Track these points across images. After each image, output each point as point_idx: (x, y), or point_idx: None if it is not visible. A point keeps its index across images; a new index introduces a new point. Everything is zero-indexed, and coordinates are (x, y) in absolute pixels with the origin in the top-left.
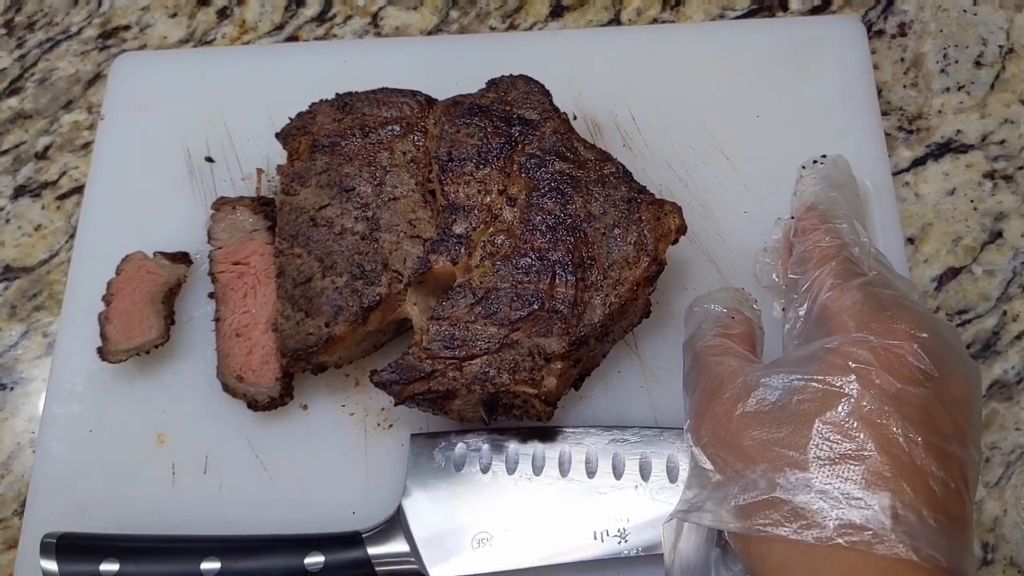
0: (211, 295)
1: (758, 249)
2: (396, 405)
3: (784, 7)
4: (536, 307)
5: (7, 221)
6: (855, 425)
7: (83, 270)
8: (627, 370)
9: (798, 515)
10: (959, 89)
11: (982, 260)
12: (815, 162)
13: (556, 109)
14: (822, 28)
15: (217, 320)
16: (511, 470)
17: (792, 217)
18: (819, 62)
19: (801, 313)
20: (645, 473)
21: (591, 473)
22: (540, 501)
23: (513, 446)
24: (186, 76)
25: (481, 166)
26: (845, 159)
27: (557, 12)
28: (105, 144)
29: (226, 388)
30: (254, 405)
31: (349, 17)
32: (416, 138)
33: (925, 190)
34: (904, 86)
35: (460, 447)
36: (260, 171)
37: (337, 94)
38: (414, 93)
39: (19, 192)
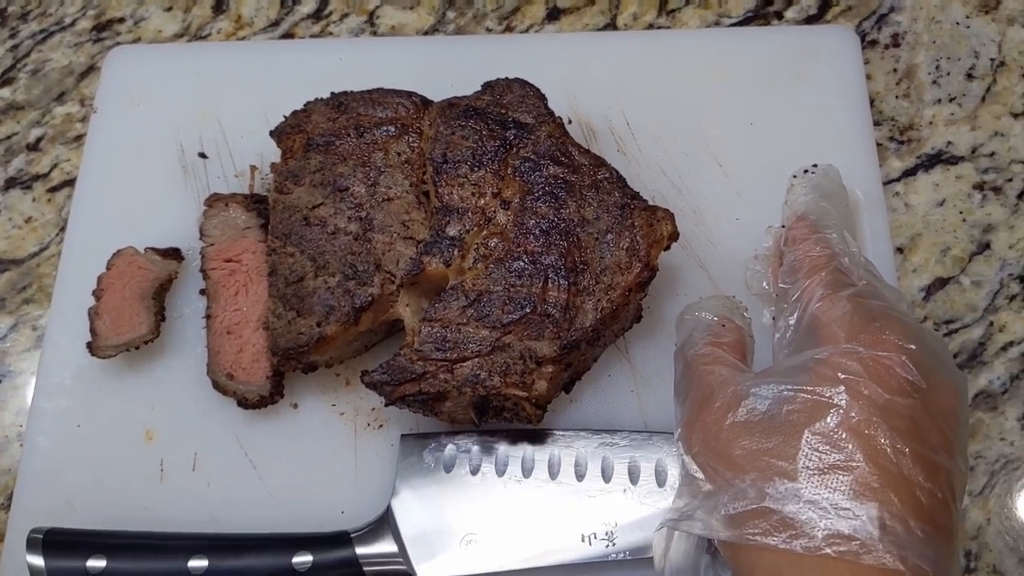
0: (202, 292)
1: (749, 256)
2: (387, 406)
3: (779, 16)
4: (528, 310)
5: None
6: (843, 436)
7: (73, 264)
8: (617, 374)
9: (787, 525)
10: (950, 101)
11: (970, 271)
12: (806, 171)
13: (551, 113)
14: (816, 37)
15: (208, 317)
16: (500, 472)
17: (783, 226)
18: (813, 71)
19: (791, 322)
20: (634, 477)
21: (580, 476)
22: (529, 503)
23: (503, 448)
24: (180, 71)
25: (475, 169)
26: (836, 169)
27: (554, 15)
28: (98, 137)
29: (216, 386)
30: (244, 403)
31: (345, 15)
32: (411, 139)
33: (915, 200)
34: (896, 97)
35: (450, 448)
36: (254, 168)
37: (332, 93)
38: (410, 94)
39: (10, 184)
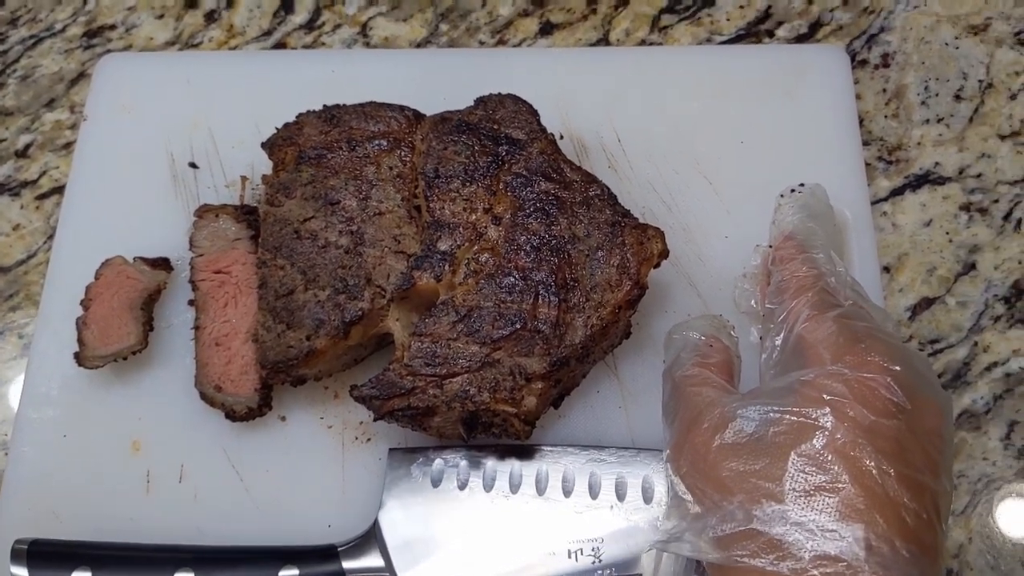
0: (191, 302)
1: (738, 275)
2: (375, 420)
3: (770, 34)
4: (518, 327)
5: None
6: (829, 457)
7: (61, 272)
8: (606, 390)
9: (774, 546)
10: (939, 121)
11: (955, 291)
12: (793, 191)
13: (543, 129)
14: (807, 56)
15: (197, 328)
16: (488, 487)
17: (770, 245)
18: (803, 90)
19: (777, 343)
20: (621, 493)
21: (567, 492)
22: (516, 519)
23: (491, 463)
24: (172, 79)
25: (467, 184)
26: (823, 188)
27: (547, 29)
28: (87, 145)
29: (204, 397)
30: (232, 415)
31: (338, 26)
32: (403, 153)
33: (902, 220)
34: (885, 116)
35: (438, 463)
36: (244, 179)
37: (325, 106)
38: (402, 108)
39: None
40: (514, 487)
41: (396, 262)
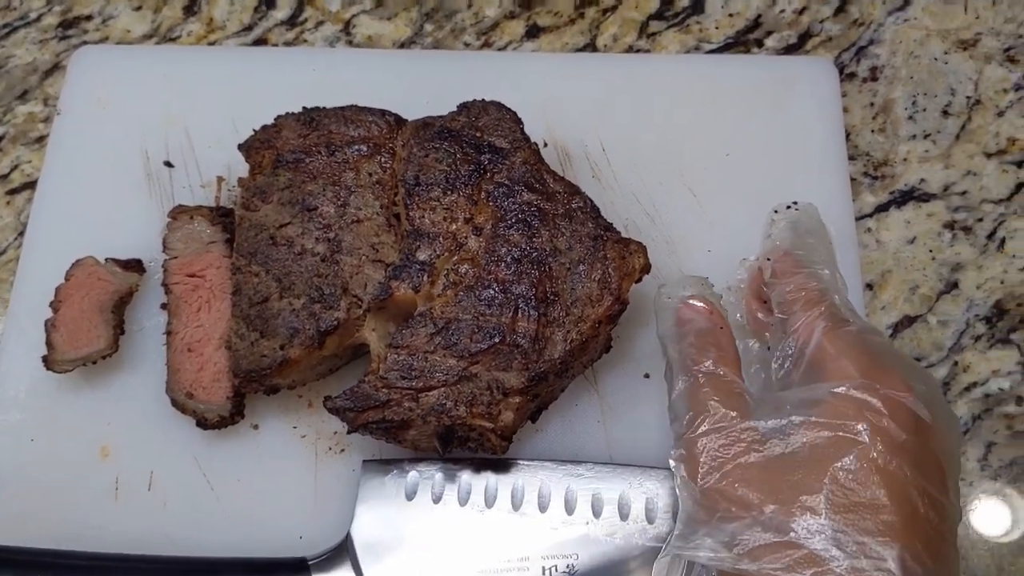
0: (163, 306)
1: (722, 288)
2: (349, 433)
3: (759, 43)
4: (497, 340)
5: None
6: (869, 474)
7: (31, 271)
8: (585, 404)
9: (812, 561)
10: (925, 137)
11: (937, 310)
12: (788, 207)
13: (527, 138)
14: (795, 68)
15: (169, 333)
16: (463, 501)
17: (766, 259)
18: (790, 102)
19: (790, 352)
20: (597, 510)
21: (543, 507)
22: (491, 534)
23: (466, 477)
24: (149, 74)
25: (448, 192)
26: (815, 208)
27: (533, 33)
28: (60, 140)
29: (175, 404)
30: (203, 423)
31: (321, 23)
32: (383, 159)
33: (887, 237)
34: (872, 131)
35: (412, 475)
36: (220, 179)
37: (304, 108)
38: (383, 112)
39: None
40: (489, 501)
41: (374, 271)
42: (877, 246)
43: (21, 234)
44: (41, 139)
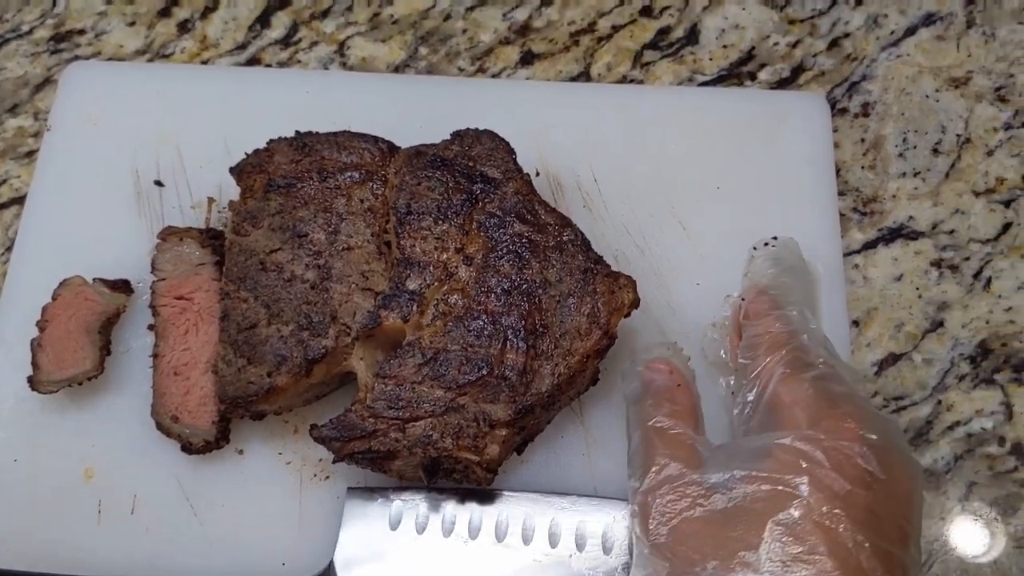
0: (151, 327)
1: (707, 324)
2: (335, 462)
3: (753, 76)
4: (485, 372)
5: None
6: (807, 528)
7: (18, 289)
8: (570, 436)
9: None
10: (915, 175)
11: (922, 348)
12: (766, 244)
13: (519, 169)
14: (787, 102)
15: (155, 356)
16: (447, 532)
17: (740, 299)
18: (782, 136)
19: (750, 399)
20: (580, 543)
21: (527, 539)
22: (474, 565)
23: (450, 507)
24: (141, 91)
25: (440, 222)
26: (795, 242)
27: (527, 59)
28: (50, 156)
29: (160, 427)
30: (188, 448)
31: (315, 43)
32: (375, 186)
33: (874, 274)
34: (862, 167)
35: (397, 504)
36: (211, 200)
37: (297, 132)
38: (376, 139)
39: None
40: (473, 532)
41: (363, 300)
42: (864, 283)
43: (8, 250)
44: (31, 154)
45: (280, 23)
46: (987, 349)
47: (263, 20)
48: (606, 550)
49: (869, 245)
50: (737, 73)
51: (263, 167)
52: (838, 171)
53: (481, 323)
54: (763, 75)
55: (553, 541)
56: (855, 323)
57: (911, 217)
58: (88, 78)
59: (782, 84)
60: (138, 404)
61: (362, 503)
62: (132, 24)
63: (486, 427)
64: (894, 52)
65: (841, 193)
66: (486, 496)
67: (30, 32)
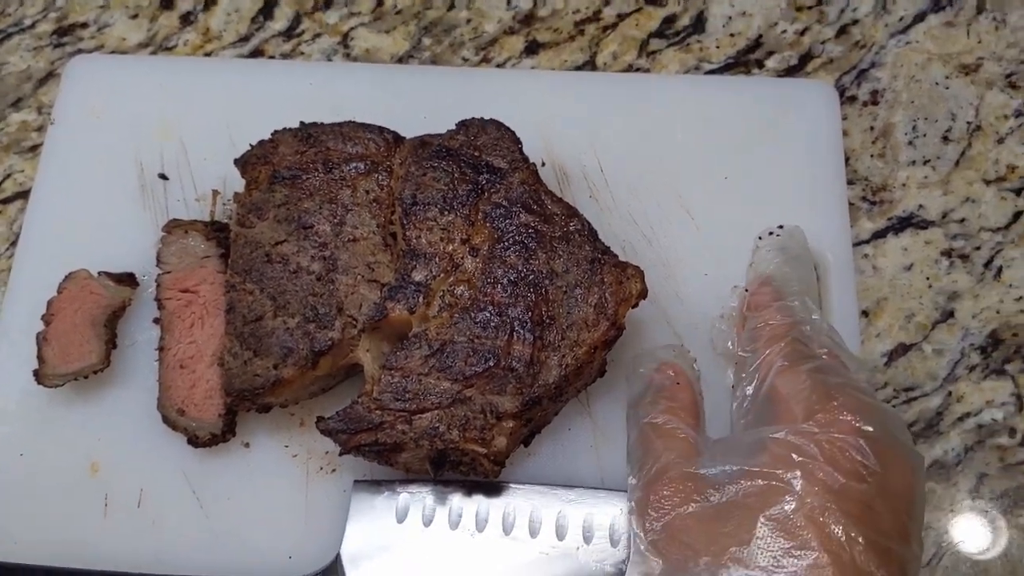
0: (156, 321)
1: (715, 315)
2: (341, 455)
3: (760, 64)
4: (492, 364)
5: None
6: (799, 522)
7: (23, 282)
8: (578, 428)
9: None
10: (925, 163)
11: (932, 339)
12: (771, 233)
13: (525, 159)
14: (795, 90)
15: (161, 349)
16: (454, 525)
17: (744, 290)
18: (790, 125)
19: (748, 392)
20: (588, 535)
21: (534, 532)
22: (481, 558)
23: (457, 500)
24: (144, 84)
25: (445, 212)
26: (801, 231)
27: (532, 49)
28: (54, 150)
29: (166, 420)
30: (194, 441)
31: (318, 35)
32: (380, 177)
33: (883, 263)
34: (871, 156)
35: (404, 497)
36: (216, 192)
37: (302, 123)
38: (381, 130)
39: None
40: (480, 525)
41: (369, 291)
42: (874, 272)
43: (13, 244)
44: (34, 148)
45: (283, 15)
46: (998, 339)
47: (266, 12)
48: (613, 542)
49: (879, 234)
50: (744, 61)
51: (268, 158)
52: (847, 160)
53: (488, 314)
54: (771, 63)
55: (560, 534)
56: (864, 313)
57: (921, 206)
58: (91, 71)
59: (790, 72)
60: (144, 397)
61: (369, 496)
62: (134, 17)
63: (493, 419)
64: (903, 39)
65: (850, 182)
66: (493, 488)
67: (33, 26)
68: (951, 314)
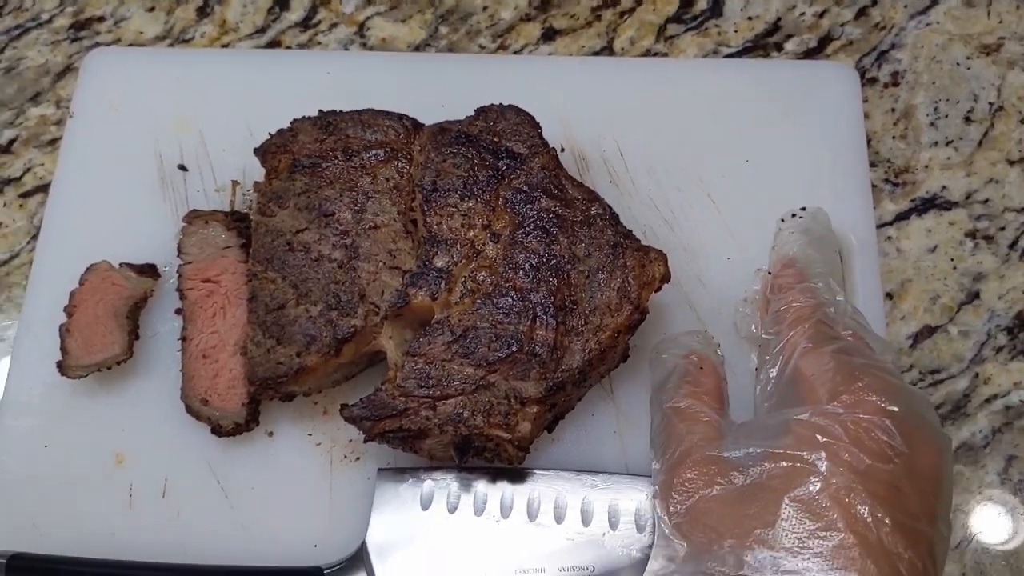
0: (178, 311)
1: (739, 299)
2: (366, 442)
3: (779, 47)
4: (515, 349)
5: None
6: (824, 503)
7: (45, 275)
8: (601, 414)
9: None
10: (947, 144)
11: (958, 320)
12: (794, 215)
13: (545, 144)
14: (815, 73)
15: (183, 339)
16: (479, 511)
17: (767, 272)
18: (811, 108)
19: (772, 374)
20: (614, 521)
21: (559, 518)
22: (506, 544)
23: (482, 486)
24: (162, 77)
25: (466, 198)
26: (825, 212)
27: (549, 35)
28: (73, 143)
29: (190, 410)
30: (218, 430)
31: (335, 25)
32: (400, 164)
33: (907, 246)
34: (893, 137)
35: (428, 484)
36: (235, 183)
37: (321, 112)
38: (400, 117)
39: None
40: (505, 511)
41: (391, 278)
42: (897, 255)
43: (34, 237)
44: (54, 142)
45: (299, 5)
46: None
47: (282, 2)
48: (639, 528)
49: (902, 216)
50: (763, 45)
51: (287, 147)
52: (869, 142)
53: (510, 300)
54: (789, 46)
55: (586, 519)
56: (889, 296)
57: (944, 187)
58: (109, 65)
59: (809, 55)
60: (167, 388)
61: (393, 484)
62: (151, 10)
63: (517, 404)
64: (923, 20)
65: (872, 164)
66: (517, 475)
67: (50, 20)
68: (976, 295)
